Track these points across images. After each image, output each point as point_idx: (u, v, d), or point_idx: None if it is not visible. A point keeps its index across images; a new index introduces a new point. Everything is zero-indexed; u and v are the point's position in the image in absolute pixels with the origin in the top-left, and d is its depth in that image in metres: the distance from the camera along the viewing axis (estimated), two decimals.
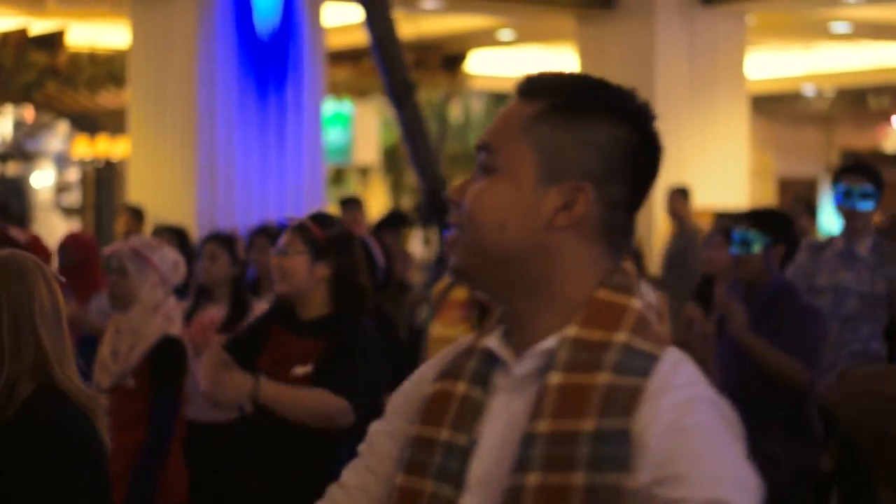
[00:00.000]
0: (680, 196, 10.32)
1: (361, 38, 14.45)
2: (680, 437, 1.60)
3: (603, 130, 1.70)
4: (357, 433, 2.43)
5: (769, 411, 5.30)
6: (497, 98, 19.45)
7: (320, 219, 4.10)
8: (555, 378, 1.65)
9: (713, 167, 11.68)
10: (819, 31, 14.26)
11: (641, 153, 1.73)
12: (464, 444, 1.69)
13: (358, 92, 15.77)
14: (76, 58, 13.66)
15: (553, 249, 1.70)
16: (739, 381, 5.33)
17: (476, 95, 18.90)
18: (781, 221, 5.41)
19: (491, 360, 1.74)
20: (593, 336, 1.66)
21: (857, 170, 5.64)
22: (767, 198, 17.12)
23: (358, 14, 10.50)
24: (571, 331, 1.68)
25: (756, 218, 5.34)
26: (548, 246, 1.70)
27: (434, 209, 9.33)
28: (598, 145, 1.70)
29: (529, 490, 1.60)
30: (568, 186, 1.69)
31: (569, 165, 1.70)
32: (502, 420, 1.69)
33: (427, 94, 15.74)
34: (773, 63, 16.66)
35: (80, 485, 2.77)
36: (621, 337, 1.66)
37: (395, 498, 1.70)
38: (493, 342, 1.73)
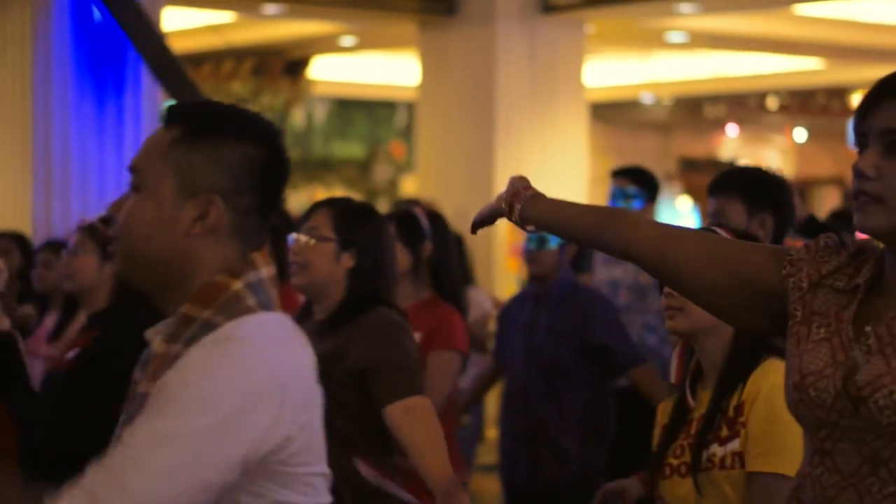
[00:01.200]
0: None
1: (202, 42, 14.35)
2: (172, 374, 1.94)
3: (229, 149, 2.06)
4: None
5: (566, 408, 5.50)
6: (340, 104, 19.43)
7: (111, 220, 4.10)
8: (156, 347, 2.04)
9: (553, 173, 11.80)
10: (656, 41, 14.51)
11: (268, 166, 2.09)
12: None
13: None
14: None
15: (193, 252, 2.05)
16: (528, 377, 5.52)
17: (319, 101, 18.85)
18: None
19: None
20: (192, 312, 2.03)
21: (625, 173, 6.46)
22: (606, 203, 17.31)
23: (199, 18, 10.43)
24: (184, 308, 2.03)
25: None
26: (188, 250, 2.05)
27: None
28: (225, 163, 2.05)
29: None
30: (201, 200, 2.04)
31: (201, 182, 2.05)
32: None
33: (269, 100, 15.66)
34: (612, 71, 16.91)
35: None
36: (207, 313, 2.02)
37: None
38: (149, 332, 2.09)
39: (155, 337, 2.05)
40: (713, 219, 3.95)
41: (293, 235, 3.91)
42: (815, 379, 2.15)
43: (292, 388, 1.99)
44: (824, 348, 2.16)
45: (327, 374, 3.81)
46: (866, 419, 2.09)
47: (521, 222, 2.49)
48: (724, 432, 3.02)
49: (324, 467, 2.08)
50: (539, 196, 2.50)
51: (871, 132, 2.15)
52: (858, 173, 2.15)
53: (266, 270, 2.08)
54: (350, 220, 3.90)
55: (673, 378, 3.20)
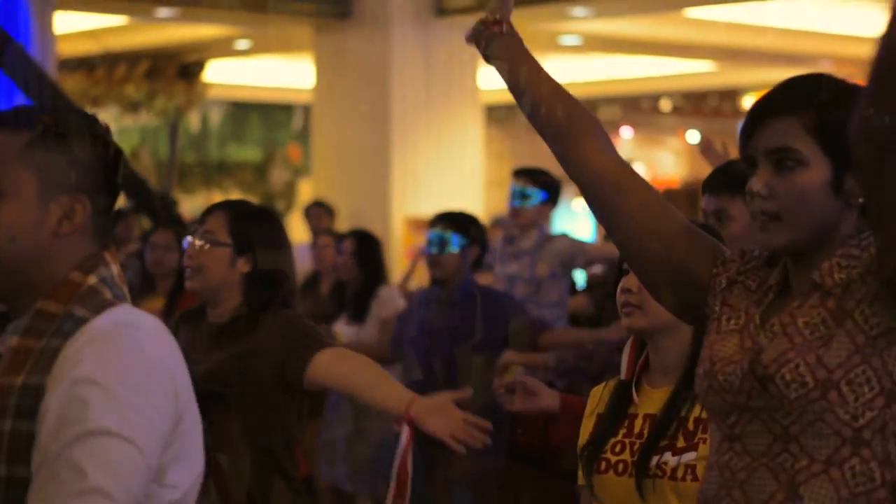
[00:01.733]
0: (321, 211, 10.35)
1: (94, 45, 14.20)
2: (71, 387, 1.94)
3: (84, 149, 2.08)
4: None
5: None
6: (236, 107, 19.34)
7: None
8: (11, 342, 2.02)
9: (449, 176, 11.86)
10: (550, 44, 14.62)
11: (112, 167, 2.11)
12: None
13: (91, 100, 15.47)
14: None
15: (55, 252, 2.06)
16: (429, 379, 5.57)
17: (214, 105, 18.75)
18: (476, 224, 5.79)
19: None
20: (48, 307, 2.03)
21: (526, 174, 6.71)
22: (503, 207, 17.42)
23: (90, 21, 10.36)
24: (39, 304, 2.04)
25: (452, 220, 5.68)
26: (51, 250, 2.06)
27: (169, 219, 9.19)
28: (83, 162, 2.07)
29: None
30: (67, 199, 2.05)
31: (63, 182, 2.05)
32: None
33: (163, 104, 15.55)
34: None
35: None
36: (66, 308, 2.02)
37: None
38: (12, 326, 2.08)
39: (10, 335, 2.04)
40: (711, 217, 3.82)
41: (188, 239, 3.86)
42: (724, 365, 2.22)
43: (178, 374, 2.03)
44: (734, 338, 2.25)
45: (244, 371, 3.80)
46: (774, 396, 2.16)
47: (486, 58, 2.52)
48: (681, 443, 2.95)
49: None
50: (510, 39, 2.55)
51: (759, 153, 2.23)
52: (753, 195, 2.23)
53: (116, 268, 2.11)
54: (246, 224, 3.85)
55: (623, 373, 3.11)
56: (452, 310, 5.66)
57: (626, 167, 2.43)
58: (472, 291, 5.67)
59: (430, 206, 10.89)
